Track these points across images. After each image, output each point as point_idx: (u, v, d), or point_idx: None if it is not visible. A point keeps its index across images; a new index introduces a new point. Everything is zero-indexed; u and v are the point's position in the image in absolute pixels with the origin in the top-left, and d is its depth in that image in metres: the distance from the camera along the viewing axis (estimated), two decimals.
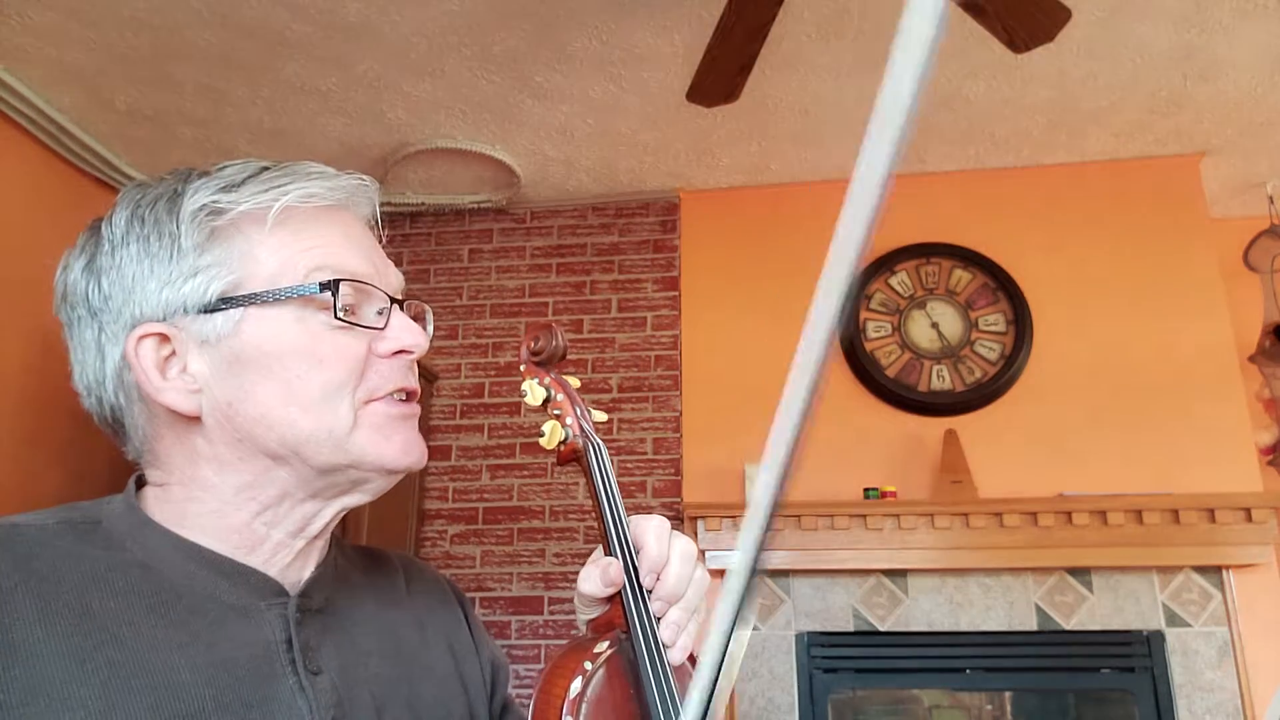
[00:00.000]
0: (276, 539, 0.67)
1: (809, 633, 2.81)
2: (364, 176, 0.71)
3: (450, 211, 3.40)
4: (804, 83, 2.69)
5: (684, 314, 3.20)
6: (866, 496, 2.81)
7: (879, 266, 3.09)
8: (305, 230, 0.67)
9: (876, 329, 3.06)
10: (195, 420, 0.65)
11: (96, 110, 2.74)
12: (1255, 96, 2.73)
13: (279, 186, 0.66)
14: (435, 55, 2.54)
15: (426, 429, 3.18)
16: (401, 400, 0.69)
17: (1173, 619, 2.70)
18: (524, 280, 3.32)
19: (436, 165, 3.13)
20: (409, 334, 0.69)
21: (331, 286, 0.65)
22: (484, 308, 3.32)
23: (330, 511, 0.69)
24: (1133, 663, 2.69)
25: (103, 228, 0.67)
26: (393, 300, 0.70)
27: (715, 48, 2.07)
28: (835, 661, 2.79)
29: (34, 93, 2.62)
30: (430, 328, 0.73)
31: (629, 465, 3.08)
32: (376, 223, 0.74)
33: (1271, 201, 3.18)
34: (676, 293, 3.22)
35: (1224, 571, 2.70)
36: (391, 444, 0.67)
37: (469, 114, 2.82)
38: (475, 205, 3.35)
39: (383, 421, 0.67)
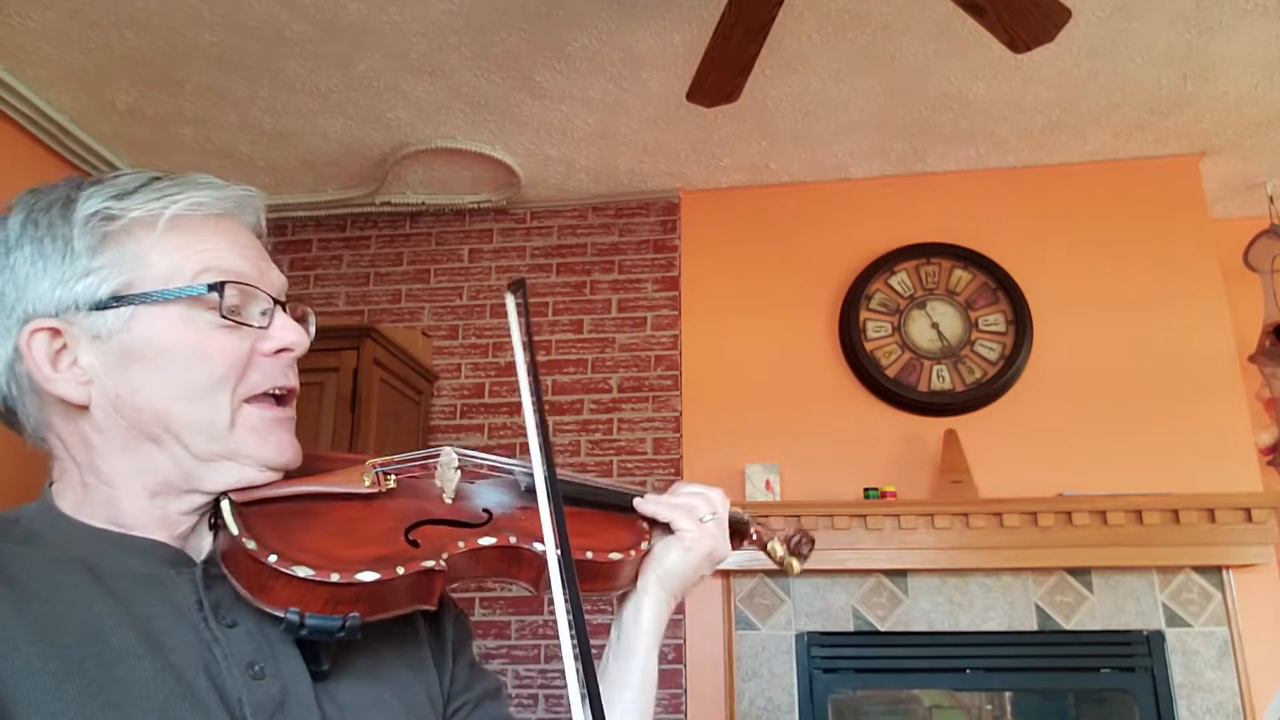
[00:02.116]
0: (173, 517, 0.71)
1: (809, 633, 2.81)
2: (250, 188, 0.77)
3: (450, 211, 3.40)
4: (804, 83, 2.69)
5: (684, 314, 3.20)
6: (866, 496, 2.81)
7: (879, 266, 3.09)
8: (193, 235, 0.72)
9: (876, 329, 3.06)
10: (84, 409, 0.69)
11: (96, 110, 2.74)
12: (1255, 96, 2.73)
13: (169, 195, 0.71)
14: (435, 55, 2.54)
15: (427, 429, 3.19)
16: (276, 402, 0.75)
17: (1173, 619, 2.70)
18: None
19: (436, 165, 3.13)
20: (290, 333, 0.74)
21: (218, 288, 0.70)
22: (484, 308, 3.32)
23: (216, 493, 0.72)
24: (1133, 663, 2.69)
25: None
26: (276, 301, 0.75)
27: (715, 48, 2.07)
28: (835, 661, 2.79)
29: (34, 93, 2.62)
30: (313, 329, 0.78)
31: (629, 465, 3.07)
32: (262, 230, 0.79)
33: (1271, 201, 3.18)
34: (676, 293, 3.22)
35: (1224, 571, 2.70)
36: (268, 445, 0.73)
37: (469, 114, 2.82)
38: (475, 205, 3.35)
39: (260, 424, 0.73)
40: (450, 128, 2.90)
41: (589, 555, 0.82)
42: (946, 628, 2.77)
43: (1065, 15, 1.93)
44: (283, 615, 0.65)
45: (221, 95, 2.69)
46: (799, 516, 2.79)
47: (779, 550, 1.02)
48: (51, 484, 0.73)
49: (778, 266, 3.19)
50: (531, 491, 0.86)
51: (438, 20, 2.39)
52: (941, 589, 2.81)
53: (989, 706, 2.91)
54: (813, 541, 1.04)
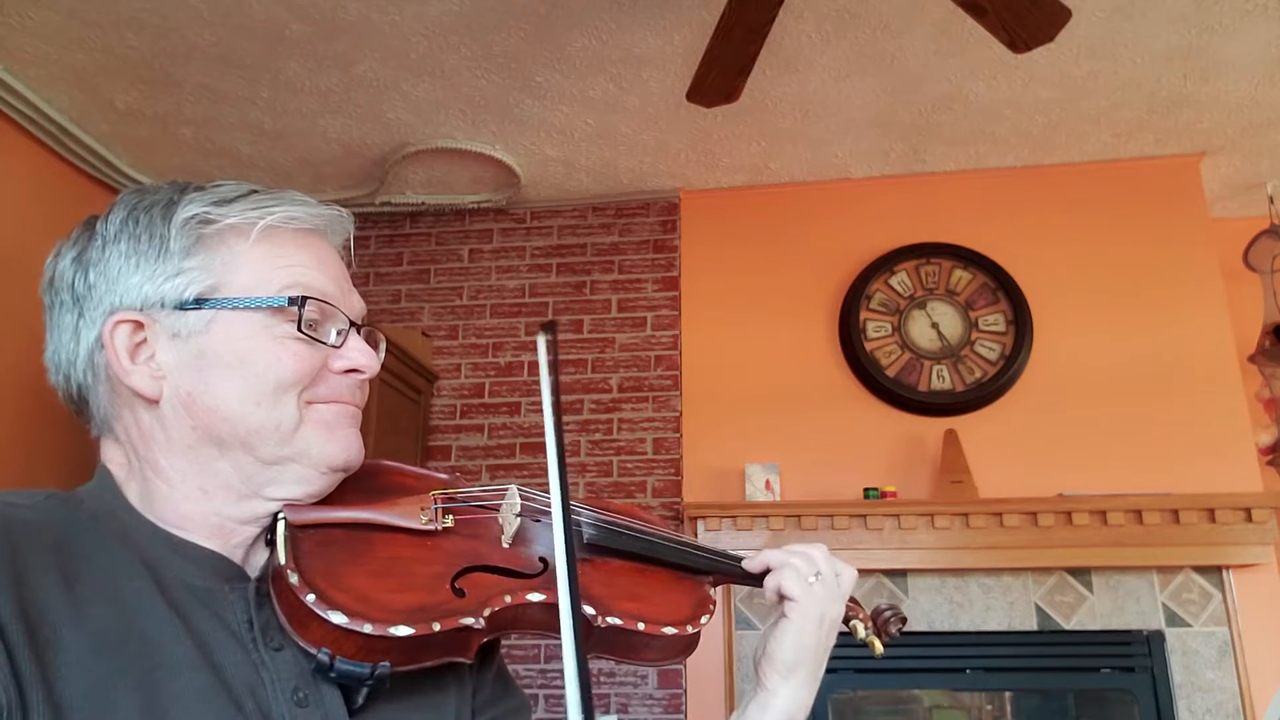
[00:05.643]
0: (230, 525, 0.72)
1: None
2: (341, 209, 0.79)
3: (450, 211, 3.40)
4: (804, 83, 2.69)
5: (684, 314, 3.20)
6: (866, 496, 2.81)
7: (879, 266, 3.09)
8: (283, 248, 0.74)
9: (876, 329, 3.06)
10: (155, 404, 0.71)
11: (96, 110, 2.74)
12: (1255, 96, 2.73)
13: (265, 207, 0.73)
14: (435, 55, 2.54)
15: (426, 429, 3.19)
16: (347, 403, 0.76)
17: (1173, 619, 2.70)
18: (524, 280, 3.32)
19: (436, 165, 3.13)
20: (362, 355, 0.75)
21: (299, 302, 0.71)
22: (484, 308, 3.32)
23: (275, 507, 0.73)
24: (1133, 663, 2.69)
25: (98, 225, 0.73)
26: (352, 323, 0.76)
27: (715, 48, 2.07)
28: (835, 661, 2.75)
29: (34, 93, 2.62)
30: (382, 353, 0.79)
31: (629, 465, 3.07)
32: (349, 252, 0.81)
33: (1271, 201, 3.18)
34: (676, 293, 3.22)
35: (1224, 571, 2.70)
36: (334, 440, 0.73)
37: (469, 114, 2.82)
38: (475, 205, 3.35)
39: (329, 417, 0.74)
40: (450, 128, 2.90)
41: (640, 627, 0.78)
42: (946, 628, 2.77)
43: (1065, 15, 1.93)
44: (315, 653, 0.66)
45: (221, 95, 2.69)
46: (799, 517, 2.80)
47: (861, 630, 0.94)
48: (109, 470, 0.73)
49: (778, 267, 3.19)
50: (592, 546, 0.82)
51: (438, 20, 2.39)
52: (941, 589, 2.81)
53: (989, 706, 2.91)
54: (904, 620, 0.95)
